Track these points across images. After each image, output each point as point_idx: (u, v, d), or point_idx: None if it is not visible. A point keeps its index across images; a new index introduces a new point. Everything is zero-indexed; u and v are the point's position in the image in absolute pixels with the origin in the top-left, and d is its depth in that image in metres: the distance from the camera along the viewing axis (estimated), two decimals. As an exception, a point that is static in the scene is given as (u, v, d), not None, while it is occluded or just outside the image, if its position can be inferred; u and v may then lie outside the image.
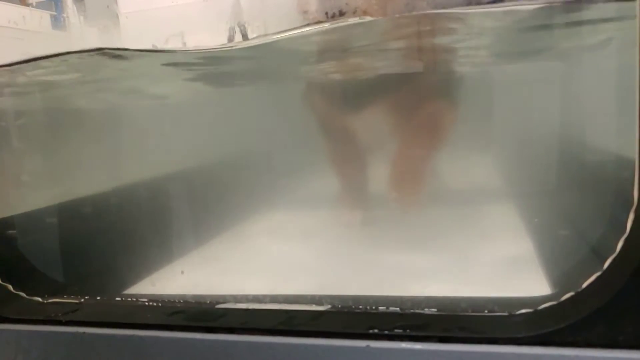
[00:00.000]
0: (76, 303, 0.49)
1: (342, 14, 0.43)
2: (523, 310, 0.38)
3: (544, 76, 0.78)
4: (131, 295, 0.54)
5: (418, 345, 0.37)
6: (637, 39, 0.31)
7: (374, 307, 0.41)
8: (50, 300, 0.50)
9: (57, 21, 0.67)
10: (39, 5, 0.67)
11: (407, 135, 0.75)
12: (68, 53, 0.54)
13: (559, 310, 0.36)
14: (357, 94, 0.73)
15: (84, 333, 0.44)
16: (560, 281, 0.47)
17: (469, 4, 0.41)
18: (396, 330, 0.38)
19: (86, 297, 0.50)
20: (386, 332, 0.38)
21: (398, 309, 0.41)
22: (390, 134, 0.75)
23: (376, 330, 0.38)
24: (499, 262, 0.59)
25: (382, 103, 0.72)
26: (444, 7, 0.41)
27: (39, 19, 0.66)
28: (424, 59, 0.63)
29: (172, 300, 0.48)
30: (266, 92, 0.93)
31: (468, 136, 0.79)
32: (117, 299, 0.51)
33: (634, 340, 0.33)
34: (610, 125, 0.54)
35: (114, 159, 0.78)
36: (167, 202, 0.79)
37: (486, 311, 0.39)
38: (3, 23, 0.62)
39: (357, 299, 0.45)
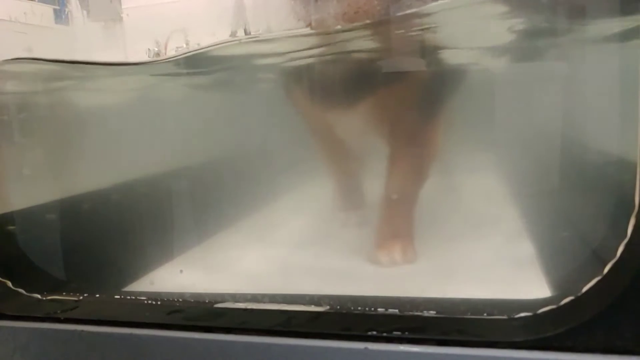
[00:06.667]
0: (75, 300, 0.49)
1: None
2: (522, 314, 0.38)
3: (544, 76, 0.77)
4: (130, 293, 0.54)
5: (416, 348, 0.36)
6: None
7: (372, 309, 0.41)
8: (49, 298, 0.50)
9: (60, 16, 0.67)
10: (41, -1, 0.67)
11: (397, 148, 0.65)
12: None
13: (558, 314, 0.36)
14: (343, 88, 0.64)
15: (82, 331, 0.44)
16: (560, 285, 0.47)
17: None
18: (394, 333, 0.37)
19: (85, 295, 0.50)
20: (384, 334, 0.38)
21: (397, 310, 0.41)
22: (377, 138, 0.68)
23: (374, 332, 0.38)
24: (500, 264, 0.59)
25: (369, 101, 0.64)
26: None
27: (41, 13, 0.66)
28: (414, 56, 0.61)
29: (170, 299, 0.48)
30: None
31: (468, 136, 0.78)
32: (116, 297, 0.51)
33: (632, 345, 0.33)
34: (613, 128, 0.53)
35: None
36: (168, 198, 0.79)
37: (485, 314, 0.39)
38: (6, 17, 0.62)
39: (355, 300, 0.45)
